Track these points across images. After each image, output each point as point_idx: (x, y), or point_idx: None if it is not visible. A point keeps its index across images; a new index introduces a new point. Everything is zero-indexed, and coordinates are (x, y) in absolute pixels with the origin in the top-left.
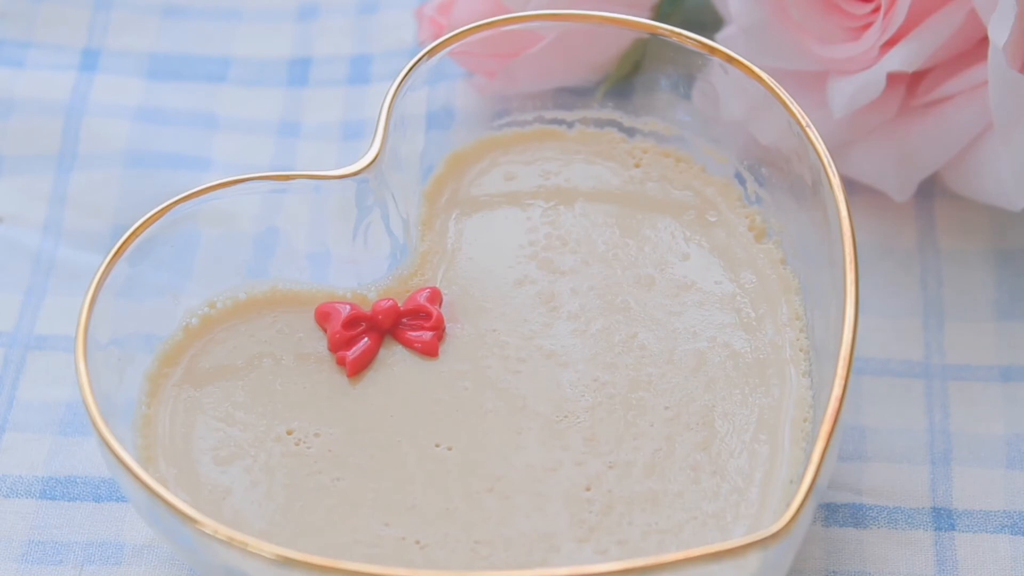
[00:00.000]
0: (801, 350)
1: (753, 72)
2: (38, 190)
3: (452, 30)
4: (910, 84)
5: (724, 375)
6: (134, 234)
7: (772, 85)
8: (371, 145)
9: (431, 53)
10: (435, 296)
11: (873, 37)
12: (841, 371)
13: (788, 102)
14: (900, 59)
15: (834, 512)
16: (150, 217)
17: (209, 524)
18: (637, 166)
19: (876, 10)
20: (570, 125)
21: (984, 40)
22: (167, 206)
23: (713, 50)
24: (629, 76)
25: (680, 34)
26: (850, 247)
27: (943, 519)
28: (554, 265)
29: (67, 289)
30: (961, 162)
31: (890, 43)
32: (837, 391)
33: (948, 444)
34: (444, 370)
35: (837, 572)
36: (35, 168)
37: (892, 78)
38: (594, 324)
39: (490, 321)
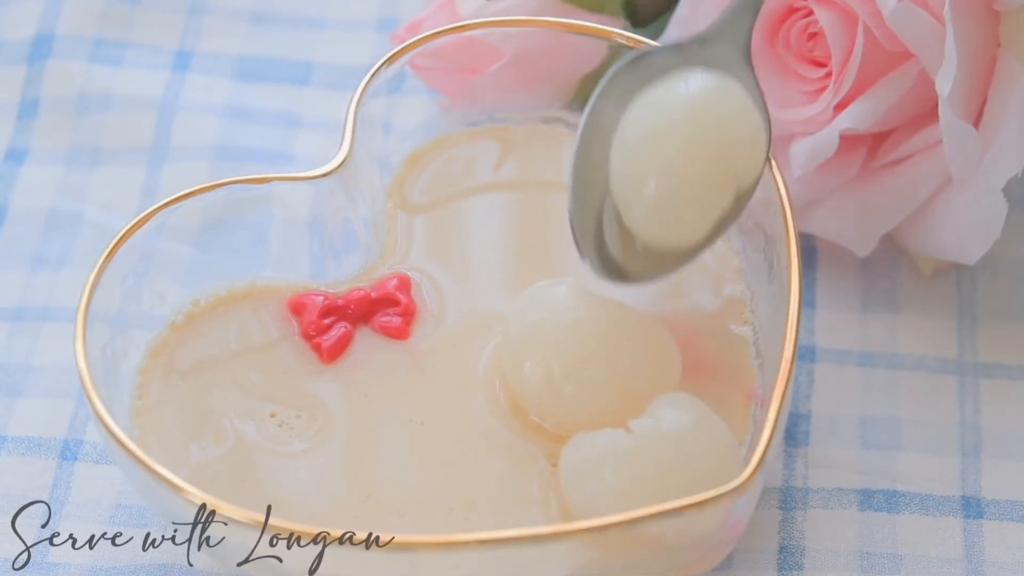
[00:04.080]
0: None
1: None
2: (132, 180)
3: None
4: (872, 146)
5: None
6: (121, 240)
7: None
8: (339, 148)
9: (393, 59)
10: (404, 284)
11: (827, 99)
12: (792, 318)
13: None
14: (852, 119)
15: (869, 497)
16: (136, 223)
17: (189, 490)
18: None
19: (829, 74)
20: (519, 123)
21: None
22: (152, 211)
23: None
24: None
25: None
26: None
27: (972, 507)
28: (514, 249)
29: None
30: (918, 220)
31: (842, 104)
32: (788, 353)
33: (978, 437)
34: (414, 351)
35: (871, 553)
36: (129, 160)
37: (854, 141)
38: None
39: (456, 304)
